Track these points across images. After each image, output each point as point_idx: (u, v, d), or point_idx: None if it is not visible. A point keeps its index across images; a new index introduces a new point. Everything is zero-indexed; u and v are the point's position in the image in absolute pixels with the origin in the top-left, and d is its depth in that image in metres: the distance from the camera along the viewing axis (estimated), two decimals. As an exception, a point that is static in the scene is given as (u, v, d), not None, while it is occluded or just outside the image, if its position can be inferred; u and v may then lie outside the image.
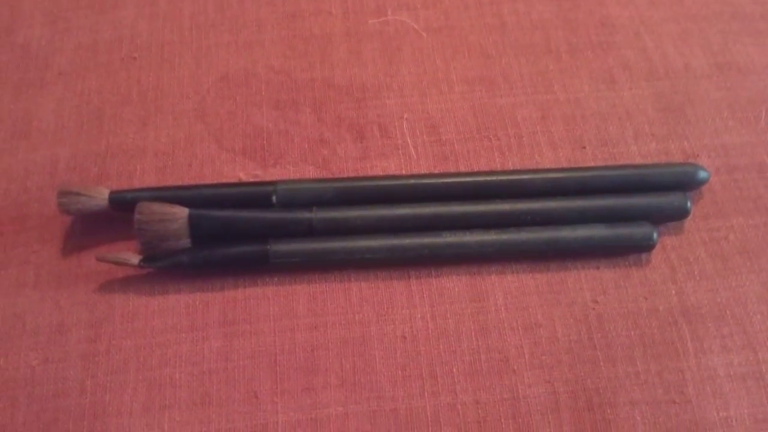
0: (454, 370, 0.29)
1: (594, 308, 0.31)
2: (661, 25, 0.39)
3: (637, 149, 0.35)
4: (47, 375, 0.30)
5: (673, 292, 0.31)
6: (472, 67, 0.37)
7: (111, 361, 0.30)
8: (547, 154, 0.35)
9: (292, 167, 0.34)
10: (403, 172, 0.34)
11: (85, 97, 0.36)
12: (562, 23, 0.39)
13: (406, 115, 0.36)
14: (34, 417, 0.29)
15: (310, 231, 0.31)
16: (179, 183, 0.34)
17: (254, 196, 0.32)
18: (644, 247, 0.32)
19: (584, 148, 0.35)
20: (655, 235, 0.31)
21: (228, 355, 0.30)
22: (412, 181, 0.32)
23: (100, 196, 0.31)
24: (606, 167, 0.33)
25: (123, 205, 0.31)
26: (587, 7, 0.39)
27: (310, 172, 0.34)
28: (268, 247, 0.30)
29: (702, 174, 0.33)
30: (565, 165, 0.34)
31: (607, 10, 0.39)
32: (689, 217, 0.33)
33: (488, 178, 0.32)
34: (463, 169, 0.34)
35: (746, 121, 0.36)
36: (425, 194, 0.32)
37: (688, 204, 0.32)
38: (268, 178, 0.34)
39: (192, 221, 0.30)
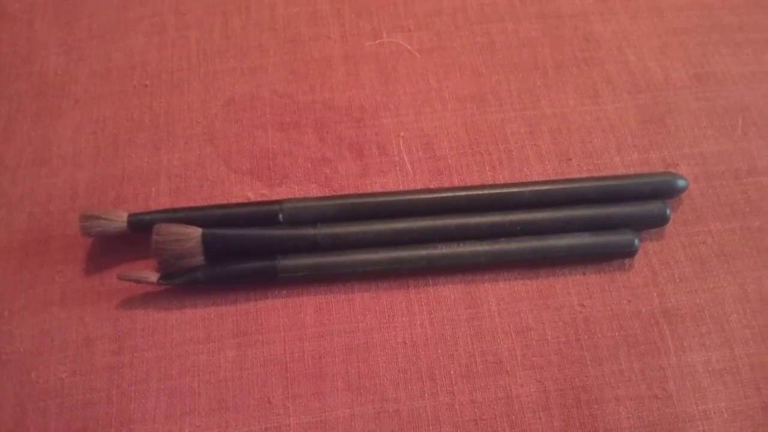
0: (452, 372, 0.31)
1: (581, 312, 0.33)
2: (643, 39, 0.41)
3: (620, 160, 0.37)
4: (76, 386, 0.32)
5: (655, 294, 0.33)
6: (463, 86, 0.39)
7: (134, 372, 0.32)
8: (535, 167, 0.37)
9: (297, 186, 0.36)
10: (401, 187, 0.36)
11: (101, 123, 0.39)
12: (548, 40, 0.41)
13: (402, 133, 0.38)
14: (65, 426, 0.31)
15: (314, 246, 0.33)
16: (192, 203, 0.36)
17: (262, 215, 0.34)
18: (627, 253, 0.34)
19: (570, 160, 0.37)
20: (636, 242, 0.33)
21: (242, 363, 0.32)
22: (408, 196, 0.34)
23: (120, 219, 0.34)
24: (590, 178, 0.35)
25: (141, 226, 0.34)
26: (572, 23, 0.41)
27: (314, 190, 0.36)
28: (277, 262, 0.32)
29: (680, 183, 0.35)
30: (552, 177, 0.36)
31: (591, 26, 0.41)
32: (669, 223, 0.35)
33: (479, 192, 0.35)
34: (456, 183, 0.36)
35: (724, 130, 0.38)
36: (421, 208, 0.34)
37: (668, 211, 0.34)
38: (274, 196, 0.36)
39: (205, 240, 0.32)
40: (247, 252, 0.33)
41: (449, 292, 0.33)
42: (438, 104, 0.39)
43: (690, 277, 0.34)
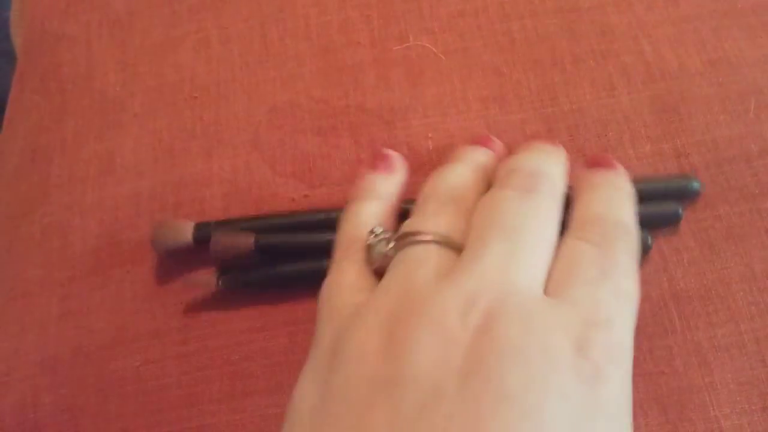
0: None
1: (596, 296, 0.36)
2: (658, 29, 0.43)
3: (634, 153, 0.39)
4: (149, 373, 0.37)
5: (664, 279, 0.36)
6: (485, 86, 0.42)
7: (200, 359, 0.37)
8: (555, 160, 0.40)
9: (336, 186, 0.40)
10: (430, 184, 0.39)
11: (157, 134, 0.43)
12: (566, 34, 0.43)
13: (430, 134, 0.41)
14: (141, 407, 0.36)
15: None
16: (242, 205, 0.40)
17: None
18: (641, 250, 0.35)
19: (586, 155, 0.39)
20: (650, 240, 0.36)
21: (293, 348, 0.36)
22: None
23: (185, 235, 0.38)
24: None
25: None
26: (589, 16, 0.43)
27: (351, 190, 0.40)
28: (323, 263, 0.36)
29: (695, 185, 0.37)
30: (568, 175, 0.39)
31: (608, 18, 0.43)
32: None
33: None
34: (481, 177, 0.39)
35: (736, 114, 0.40)
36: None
37: (680, 211, 0.37)
38: (315, 198, 0.40)
39: (258, 245, 0.36)
40: (297, 255, 0.37)
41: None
42: (462, 105, 0.41)
43: (698, 260, 0.36)
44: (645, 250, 0.36)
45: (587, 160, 0.33)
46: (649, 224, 0.36)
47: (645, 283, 0.36)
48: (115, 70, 0.45)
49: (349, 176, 0.40)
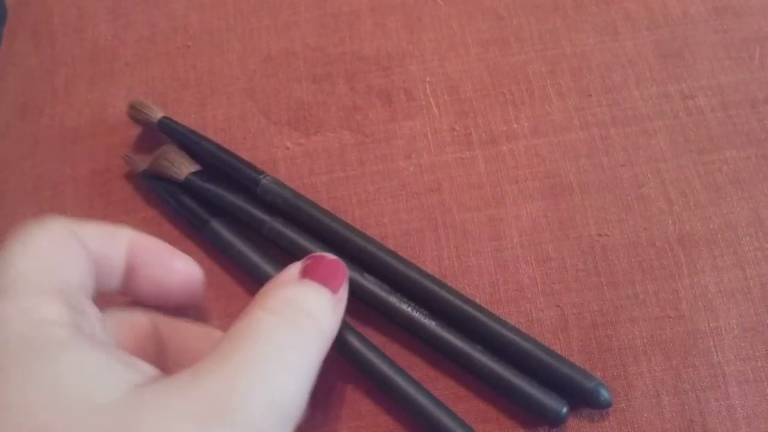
0: (477, 300, 0.34)
1: (599, 240, 0.35)
2: (662, -27, 0.42)
3: (639, 94, 0.38)
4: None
5: (670, 222, 0.35)
6: (485, 30, 0.41)
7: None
8: (556, 104, 0.38)
9: (331, 133, 0.39)
10: (428, 129, 0.38)
11: (150, 84, 0.42)
12: (568, -21, 0.42)
13: (428, 79, 0.40)
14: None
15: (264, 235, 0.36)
16: (237, 155, 0.39)
17: (246, 177, 0.37)
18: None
19: (590, 96, 0.39)
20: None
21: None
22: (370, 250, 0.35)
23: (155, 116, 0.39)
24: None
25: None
26: (592, -40, 0.42)
27: (347, 137, 0.39)
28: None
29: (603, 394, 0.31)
30: (572, 114, 0.38)
31: (611, -38, 0.42)
32: (687, 154, 0.36)
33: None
34: (480, 123, 0.38)
35: (741, 61, 0.39)
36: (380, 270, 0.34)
37: (563, 412, 0.31)
38: (311, 145, 0.39)
39: (185, 182, 0.36)
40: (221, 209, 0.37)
41: (475, 227, 0.36)
42: (461, 49, 0.40)
43: (704, 203, 0.36)
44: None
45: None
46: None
47: (650, 224, 0.35)
48: (106, 20, 0.44)
49: (345, 122, 0.39)
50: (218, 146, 0.38)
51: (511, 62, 0.40)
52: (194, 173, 0.37)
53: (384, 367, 0.32)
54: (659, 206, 0.36)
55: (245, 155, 0.39)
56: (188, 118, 0.40)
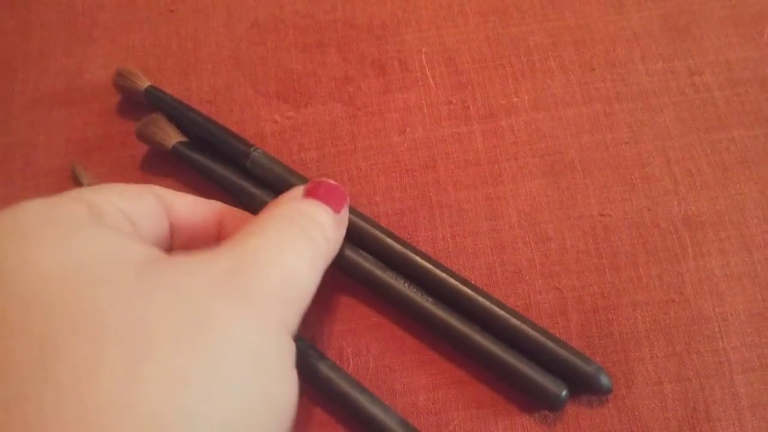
0: (473, 282, 0.33)
1: (600, 221, 0.34)
2: (670, -56, 0.40)
3: (644, 68, 0.37)
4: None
5: (675, 202, 0.34)
6: (485, -1, 0.39)
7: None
8: (558, 78, 0.37)
9: (322, 106, 0.37)
10: (423, 102, 0.37)
11: (131, 50, 0.40)
12: (571, -52, 0.40)
13: (424, 49, 0.38)
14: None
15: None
16: (226, 127, 0.37)
17: (235, 151, 0.35)
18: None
19: (593, 70, 0.37)
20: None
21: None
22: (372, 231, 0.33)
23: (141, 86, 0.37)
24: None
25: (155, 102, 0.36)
26: (597, -71, 0.40)
27: (338, 109, 0.37)
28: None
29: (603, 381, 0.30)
30: (575, 87, 0.36)
31: (617, -69, 0.40)
32: (694, 133, 0.35)
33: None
34: (479, 96, 0.37)
35: (750, 37, 0.37)
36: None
37: (563, 395, 0.29)
38: (300, 118, 0.37)
39: (174, 150, 0.35)
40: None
41: (471, 206, 0.34)
42: (460, 19, 0.38)
43: (711, 184, 0.34)
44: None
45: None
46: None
47: (655, 204, 0.34)
48: (84, -18, 0.42)
49: (336, 93, 0.37)
50: (207, 117, 0.36)
51: (512, 33, 0.38)
52: (182, 143, 0.35)
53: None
54: (664, 186, 0.34)
55: (231, 128, 0.37)
56: (171, 88, 0.38)
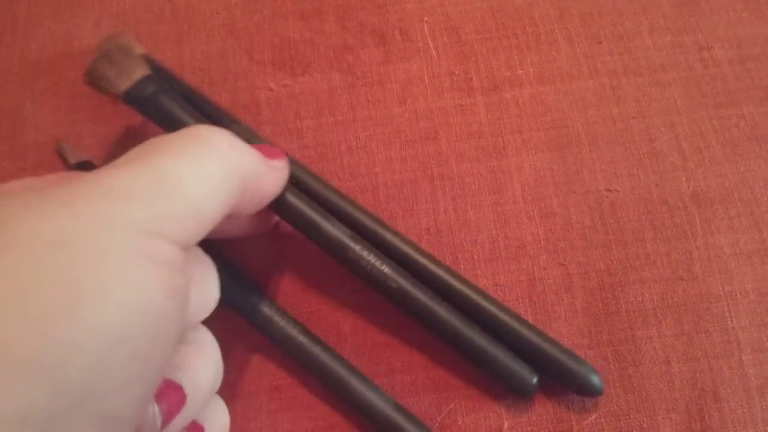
0: (475, 257, 0.32)
1: (607, 196, 0.33)
2: None
3: (652, 43, 0.36)
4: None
5: (684, 178, 0.33)
6: (489, -31, 0.38)
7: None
8: (564, 50, 0.36)
9: (319, 75, 0.36)
10: (425, 73, 0.35)
11: (121, 17, 0.38)
12: None
13: (426, 18, 0.37)
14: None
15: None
16: (217, 96, 0.35)
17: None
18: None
19: (600, 43, 0.36)
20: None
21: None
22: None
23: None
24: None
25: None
26: None
27: (336, 78, 0.36)
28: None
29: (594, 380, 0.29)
30: (581, 60, 0.35)
31: None
32: (702, 109, 0.34)
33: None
34: (482, 67, 0.35)
35: (760, 13, 0.36)
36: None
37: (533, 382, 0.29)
38: (297, 86, 0.35)
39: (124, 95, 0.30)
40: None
41: (474, 179, 0.33)
42: (463, -12, 0.37)
43: (721, 160, 0.33)
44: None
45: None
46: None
47: (663, 180, 0.33)
48: (74, -55, 0.40)
49: (335, 62, 0.36)
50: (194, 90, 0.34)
51: (517, 3, 0.37)
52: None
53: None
54: (672, 161, 0.33)
55: (225, 97, 0.36)
56: (163, 56, 0.37)
